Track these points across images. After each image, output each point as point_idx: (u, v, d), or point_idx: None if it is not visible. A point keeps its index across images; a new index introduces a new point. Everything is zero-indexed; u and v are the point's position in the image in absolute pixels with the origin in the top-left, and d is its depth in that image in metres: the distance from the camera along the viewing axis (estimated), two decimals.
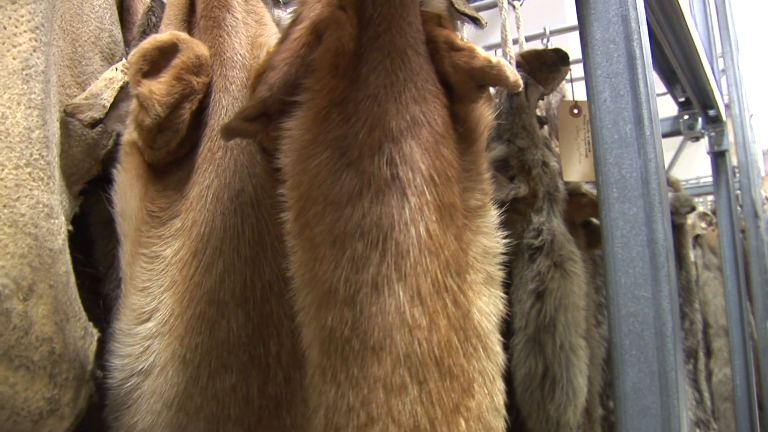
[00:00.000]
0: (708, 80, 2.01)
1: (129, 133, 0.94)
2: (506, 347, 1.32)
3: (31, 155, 0.76)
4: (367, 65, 0.72)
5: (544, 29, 1.76)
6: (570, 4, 1.24)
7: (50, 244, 0.76)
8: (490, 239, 0.78)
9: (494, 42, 1.80)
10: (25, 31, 0.76)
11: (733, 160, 3.37)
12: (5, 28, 0.75)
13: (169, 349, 0.88)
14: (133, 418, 0.88)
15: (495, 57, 0.79)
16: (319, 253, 0.69)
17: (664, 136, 2.40)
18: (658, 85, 2.17)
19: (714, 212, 2.97)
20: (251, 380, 0.87)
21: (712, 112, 2.32)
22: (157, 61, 0.92)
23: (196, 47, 0.93)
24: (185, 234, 0.90)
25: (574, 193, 1.47)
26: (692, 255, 3.53)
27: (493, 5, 1.55)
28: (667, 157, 4.32)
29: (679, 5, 1.42)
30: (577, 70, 1.33)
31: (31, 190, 0.75)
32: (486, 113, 0.82)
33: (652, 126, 0.88)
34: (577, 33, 0.89)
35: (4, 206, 0.72)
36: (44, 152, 0.78)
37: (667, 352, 0.85)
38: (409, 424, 0.65)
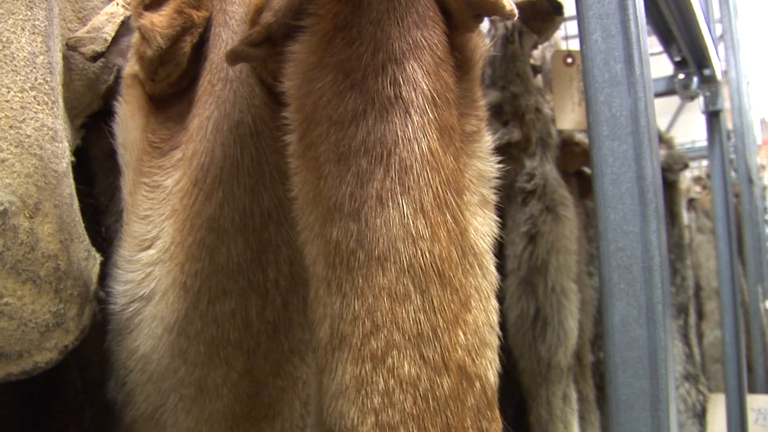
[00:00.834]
0: (704, 39, 2.02)
1: (131, 66, 0.96)
2: (499, 289, 1.36)
3: (36, 79, 0.78)
4: None
5: None
6: None
7: (55, 166, 0.78)
8: (485, 163, 0.80)
9: None
10: None
11: (728, 125, 3.39)
12: None
13: (170, 276, 0.91)
14: (135, 342, 0.91)
15: None
16: (324, 171, 0.71)
17: (660, 95, 2.41)
18: (654, 44, 2.18)
19: (708, 176, 2.99)
20: (250, 305, 0.90)
21: (707, 72, 2.33)
22: None
23: None
24: (186, 164, 0.92)
25: (567, 143, 1.49)
26: (686, 217, 3.56)
27: None
28: (664, 122, 4.34)
29: None
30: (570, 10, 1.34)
31: (36, 113, 0.77)
32: (481, 43, 0.84)
33: (642, 66, 0.90)
34: None
35: (10, 127, 0.74)
36: (48, 77, 0.80)
37: (654, 286, 0.87)
38: (412, 332, 0.67)
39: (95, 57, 0.97)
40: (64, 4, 0.98)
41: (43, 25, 0.80)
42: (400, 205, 0.68)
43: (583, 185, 1.58)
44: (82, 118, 1.01)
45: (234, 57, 0.81)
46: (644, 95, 0.89)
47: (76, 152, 0.97)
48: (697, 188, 3.70)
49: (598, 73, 0.90)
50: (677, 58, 2.31)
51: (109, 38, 0.97)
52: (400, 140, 0.70)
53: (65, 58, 0.96)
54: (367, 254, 0.68)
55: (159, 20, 0.91)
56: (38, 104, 0.77)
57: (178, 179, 0.93)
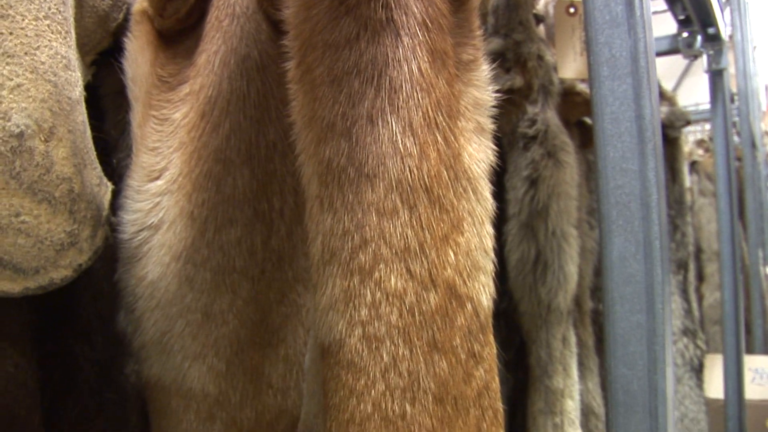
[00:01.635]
0: None
1: (140, 3, 0.98)
2: (500, 234, 1.38)
3: (49, 9, 0.80)
4: None
5: None
6: None
7: (68, 93, 0.80)
8: (481, 92, 0.82)
9: None
10: None
11: (733, 88, 3.40)
12: None
13: (178, 206, 0.93)
14: (143, 270, 0.94)
15: None
16: (319, 93, 0.73)
17: (663, 54, 2.42)
18: (658, 2, 2.19)
19: (711, 139, 3.00)
20: (255, 234, 0.92)
21: (711, 30, 2.34)
22: None
23: None
24: (193, 98, 0.95)
25: (568, 92, 1.51)
26: (688, 180, 3.58)
27: None
28: (668, 86, 4.34)
29: None
30: None
31: (50, 41, 0.79)
32: None
33: (642, 7, 0.92)
34: None
35: (25, 53, 0.76)
36: (61, 8, 0.82)
37: (652, 222, 0.89)
38: (399, 245, 0.70)
39: None
40: None
41: None
42: (390, 124, 0.71)
43: (584, 135, 1.60)
44: (92, 55, 1.03)
45: None
46: (644, 36, 0.91)
47: (87, 89, 0.99)
48: (700, 151, 3.72)
49: (599, 14, 0.92)
50: (681, 17, 2.32)
51: None
52: (390, 61, 0.72)
53: None
54: (357, 171, 0.71)
55: None
56: (52, 33, 0.80)
57: (186, 112, 0.95)
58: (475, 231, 0.77)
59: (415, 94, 0.71)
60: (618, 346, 0.90)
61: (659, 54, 2.41)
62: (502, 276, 1.38)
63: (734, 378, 2.32)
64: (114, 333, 1.01)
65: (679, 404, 2.23)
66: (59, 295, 0.86)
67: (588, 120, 1.58)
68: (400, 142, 0.70)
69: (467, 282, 0.74)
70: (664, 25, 2.52)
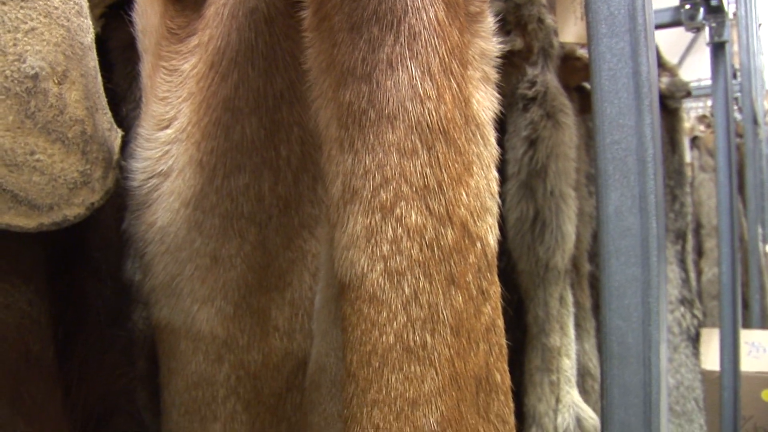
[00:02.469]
0: None
1: None
2: (499, 194, 1.41)
3: None
4: None
5: None
6: None
7: (81, 39, 0.83)
8: (487, 43, 0.85)
9: None
10: None
11: (735, 63, 3.41)
12: None
13: (187, 154, 0.96)
14: (153, 216, 0.96)
15: None
16: (338, 39, 0.76)
17: (665, 26, 2.43)
18: None
19: (713, 114, 3.02)
20: (263, 180, 0.95)
21: (714, 3, 2.35)
22: None
23: None
24: (202, 50, 0.97)
25: (568, 57, 1.53)
26: (689, 155, 3.60)
27: None
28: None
29: None
30: None
31: None
32: None
33: None
34: None
35: None
36: None
37: (648, 177, 0.91)
38: (419, 184, 0.72)
39: None
40: None
41: None
42: (409, 68, 0.73)
43: (583, 101, 1.62)
44: (101, 8, 1.06)
45: None
46: None
47: (95, 42, 1.02)
48: (701, 127, 3.73)
49: None
50: None
51: None
52: (409, 8, 0.74)
53: None
54: (377, 113, 0.73)
55: None
56: None
57: (195, 63, 0.98)
58: (483, 174, 0.80)
59: (432, 40, 0.74)
60: (613, 299, 0.91)
61: (662, 26, 2.42)
62: (500, 235, 1.41)
63: (730, 350, 2.35)
64: (122, 281, 1.04)
65: (675, 372, 2.26)
66: (71, 236, 0.88)
67: (587, 85, 1.60)
68: (419, 85, 0.73)
69: (477, 222, 0.77)
70: None
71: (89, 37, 0.85)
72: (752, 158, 3.55)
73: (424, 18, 0.74)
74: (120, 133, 0.92)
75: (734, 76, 3.35)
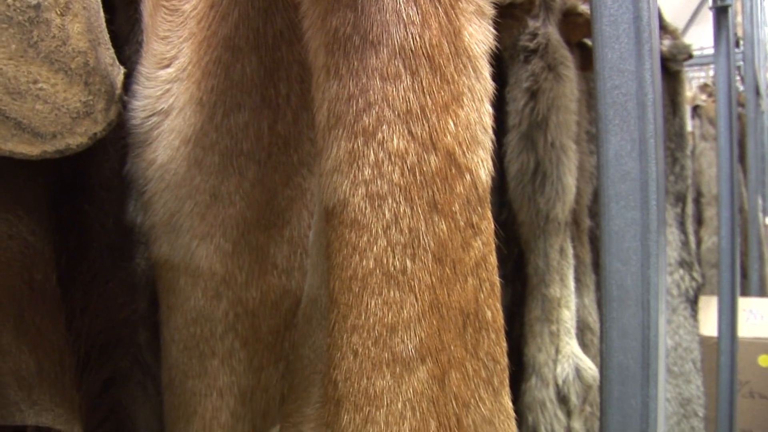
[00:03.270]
0: None
1: None
2: (500, 145, 1.41)
3: None
4: None
5: None
6: None
7: None
8: None
9: None
10: None
11: (739, 32, 3.40)
12: None
13: (187, 93, 0.96)
14: (154, 154, 0.97)
15: None
16: None
17: None
18: None
19: (715, 83, 3.01)
20: (262, 118, 0.95)
21: None
22: None
23: None
24: None
25: (570, 13, 1.52)
26: (690, 124, 3.60)
27: None
28: None
29: None
30: None
31: None
32: None
33: None
34: None
35: None
36: None
37: (647, 121, 0.92)
38: (402, 108, 0.73)
39: None
40: None
41: None
42: None
43: (584, 57, 1.62)
44: None
45: None
46: None
47: None
48: (703, 96, 3.73)
49: None
50: None
51: None
52: None
53: None
54: (362, 38, 0.74)
55: None
56: None
57: (196, 4, 0.98)
58: (474, 107, 0.80)
59: None
60: (613, 242, 0.92)
61: None
62: (501, 187, 1.41)
63: (728, 316, 2.36)
64: (123, 227, 1.05)
65: (674, 334, 2.28)
66: (75, 168, 0.89)
67: (589, 42, 1.60)
68: (403, 11, 0.73)
69: (466, 153, 0.77)
70: None
71: None
72: (753, 128, 3.55)
73: None
74: (122, 69, 0.92)
75: (737, 45, 3.34)
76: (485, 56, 0.83)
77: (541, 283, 1.40)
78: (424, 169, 0.73)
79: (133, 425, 1.10)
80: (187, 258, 0.95)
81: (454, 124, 0.76)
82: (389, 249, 0.73)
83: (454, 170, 0.76)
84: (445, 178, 0.75)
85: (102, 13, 0.88)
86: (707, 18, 2.53)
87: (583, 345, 1.61)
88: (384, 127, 0.73)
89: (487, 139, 0.81)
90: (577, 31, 1.57)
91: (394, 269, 0.73)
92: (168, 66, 0.98)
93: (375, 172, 0.72)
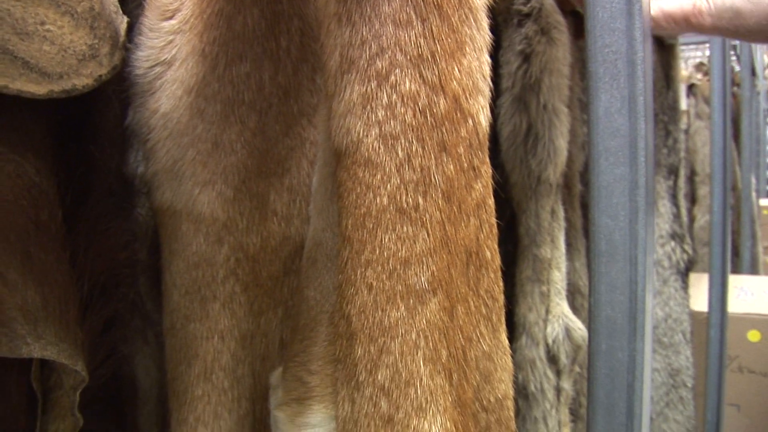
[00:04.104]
0: None
1: None
2: (493, 108, 1.44)
3: None
4: None
5: None
6: None
7: None
8: None
9: None
10: None
11: None
12: None
13: (190, 44, 0.99)
14: (156, 103, 1.00)
15: None
16: None
17: None
18: None
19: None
20: (263, 69, 0.98)
21: None
22: None
23: None
24: None
25: None
26: (685, 103, 3.63)
27: None
28: None
29: None
30: None
31: None
32: None
33: None
34: None
35: None
36: None
37: (637, 79, 0.94)
38: (413, 53, 0.76)
39: None
40: None
41: None
42: None
43: (578, 25, 1.64)
44: None
45: None
46: None
47: None
48: (699, 75, 3.75)
49: None
50: None
51: None
52: None
53: None
54: None
55: None
56: None
57: None
58: (475, 55, 0.83)
59: None
60: (601, 198, 0.93)
61: None
62: (494, 149, 1.44)
63: (719, 290, 2.39)
64: (123, 179, 1.08)
65: (664, 305, 2.31)
66: (80, 110, 0.92)
67: (581, 9, 1.62)
68: None
69: (469, 99, 0.80)
70: None
71: None
72: (748, 107, 3.58)
73: None
74: (126, 18, 0.95)
75: None
76: (483, 9, 0.86)
77: (532, 243, 1.43)
78: (434, 111, 0.76)
79: (132, 371, 1.13)
80: (189, 204, 0.98)
81: (459, 71, 0.79)
82: (402, 186, 0.76)
83: (459, 114, 0.79)
84: (452, 121, 0.78)
85: None
86: None
87: (574, 308, 1.64)
88: (397, 70, 0.76)
89: (486, 87, 0.84)
90: None
91: (407, 206, 0.76)
92: (171, 17, 1.00)
93: (388, 114, 0.75)
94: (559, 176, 1.44)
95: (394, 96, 0.76)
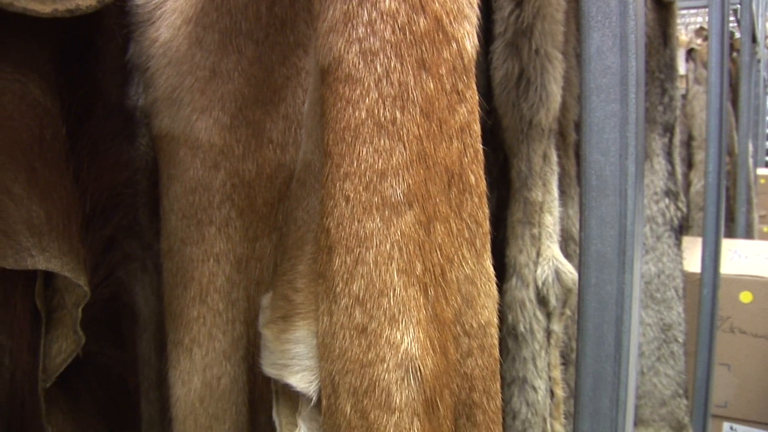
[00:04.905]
0: None
1: None
2: (486, 53, 1.46)
3: None
4: None
5: None
6: None
7: None
8: None
9: None
10: None
11: None
12: None
13: None
14: (156, 33, 1.02)
15: None
16: None
17: None
18: None
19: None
20: (261, 0, 1.01)
21: None
22: None
23: None
24: None
25: None
26: (684, 67, 3.64)
27: None
28: None
29: None
30: None
31: None
32: None
33: None
34: None
35: None
36: None
37: (629, 17, 0.95)
38: None
39: None
40: None
41: None
42: None
43: None
44: None
45: None
46: None
47: None
48: (699, 40, 3.76)
49: None
50: None
51: None
52: None
53: None
54: None
55: None
56: None
57: None
58: None
59: None
60: (593, 134, 0.95)
61: None
62: (487, 94, 1.46)
63: (712, 249, 2.42)
64: (125, 113, 1.11)
65: (657, 261, 2.34)
66: (82, 36, 0.95)
67: None
68: None
69: (453, 23, 0.83)
70: None
71: None
72: (748, 73, 3.59)
73: None
74: None
75: None
76: None
77: (524, 186, 1.45)
78: (414, 29, 0.79)
79: (132, 299, 1.17)
80: (187, 130, 1.01)
81: None
82: (380, 101, 0.79)
83: (441, 36, 0.82)
84: (432, 41, 0.81)
85: None
86: None
87: (567, 255, 1.66)
88: None
89: (473, 14, 0.87)
90: None
91: (385, 119, 0.79)
92: None
93: (368, 30, 0.78)
94: (552, 121, 1.46)
95: (374, 13, 0.78)
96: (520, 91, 1.41)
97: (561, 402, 1.56)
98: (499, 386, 0.95)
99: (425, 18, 0.80)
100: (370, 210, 0.79)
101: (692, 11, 4.14)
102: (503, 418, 1.29)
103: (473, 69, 0.87)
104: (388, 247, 0.79)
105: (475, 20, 0.87)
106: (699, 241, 2.54)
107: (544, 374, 1.51)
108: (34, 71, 0.90)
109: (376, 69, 0.78)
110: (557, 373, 1.56)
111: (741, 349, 2.84)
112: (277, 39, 1.02)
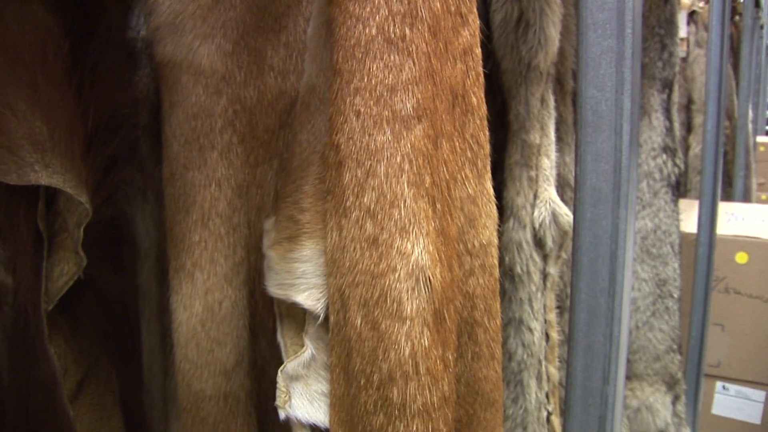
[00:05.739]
0: None
1: None
2: None
3: None
4: None
5: None
6: None
7: None
8: None
9: None
10: None
11: None
12: None
13: None
14: None
15: None
16: None
17: None
18: None
19: None
20: None
21: None
22: None
23: None
24: None
25: None
26: (685, 30, 3.63)
27: None
28: None
29: None
30: None
31: None
32: None
33: None
34: None
35: None
36: None
37: None
38: None
39: None
40: None
41: None
42: None
43: None
44: None
45: None
46: None
47: None
48: (701, 3, 3.75)
49: None
50: None
51: None
52: None
53: None
54: None
55: None
56: None
57: None
58: None
59: None
60: (589, 69, 0.96)
61: None
62: (487, 36, 1.47)
63: (708, 209, 2.43)
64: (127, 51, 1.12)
65: (654, 216, 2.35)
66: None
67: None
68: None
69: None
70: None
71: None
72: (750, 36, 3.59)
73: None
74: None
75: None
76: None
77: (521, 129, 1.47)
78: None
79: (133, 230, 1.19)
80: (189, 56, 1.02)
81: None
82: (390, 17, 0.80)
83: None
84: None
85: None
86: None
87: (563, 201, 1.68)
88: None
89: None
90: None
91: (395, 36, 0.81)
92: None
93: None
94: (550, 65, 1.47)
95: None
96: (519, 34, 1.42)
97: (556, 345, 1.58)
98: (499, 306, 0.97)
99: None
100: (381, 124, 0.81)
101: None
102: None
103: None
104: (398, 159, 0.81)
105: None
106: (696, 203, 2.55)
107: (540, 316, 1.53)
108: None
109: None
110: (553, 317, 1.58)
111: (735, 309, 2.85)
112: None
